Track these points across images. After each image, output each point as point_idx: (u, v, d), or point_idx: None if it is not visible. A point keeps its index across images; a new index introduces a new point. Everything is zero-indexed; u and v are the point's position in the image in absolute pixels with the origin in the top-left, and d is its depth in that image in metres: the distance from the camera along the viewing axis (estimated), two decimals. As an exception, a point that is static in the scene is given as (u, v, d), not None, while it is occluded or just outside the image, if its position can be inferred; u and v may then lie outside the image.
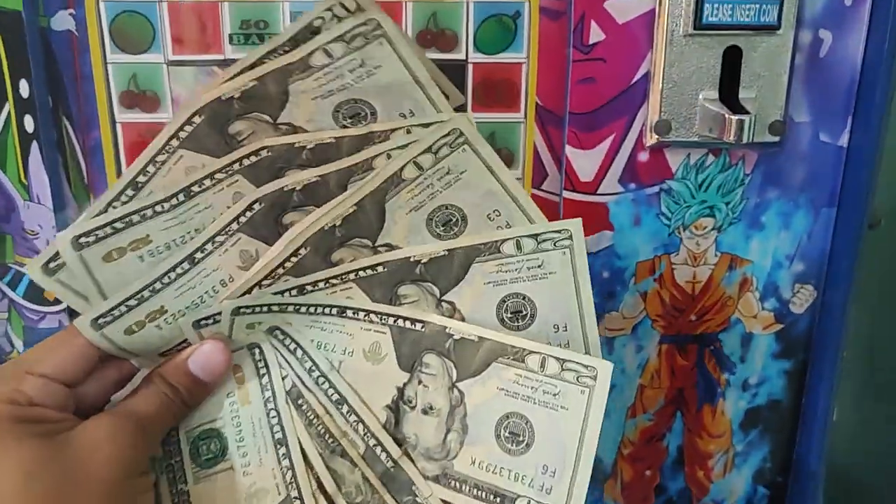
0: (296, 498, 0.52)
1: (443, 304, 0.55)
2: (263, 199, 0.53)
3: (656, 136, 0.66)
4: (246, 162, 0.54)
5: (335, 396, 0.53)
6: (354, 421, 0.53)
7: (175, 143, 0.53)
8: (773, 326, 0.75)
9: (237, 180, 0.53)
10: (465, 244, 0.55)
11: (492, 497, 0.52)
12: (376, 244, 0.55)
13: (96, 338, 0.49)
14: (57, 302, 0.72)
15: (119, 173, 0.69)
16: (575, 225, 0.54)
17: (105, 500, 0.43)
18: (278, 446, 0.52)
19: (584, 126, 0.67)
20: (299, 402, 0.53)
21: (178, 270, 0.52)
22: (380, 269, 0.55)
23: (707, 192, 0.69)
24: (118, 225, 0.51)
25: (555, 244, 0.55)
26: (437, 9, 0.66)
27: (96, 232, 0.50)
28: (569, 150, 0.68)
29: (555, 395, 0.52)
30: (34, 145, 0.67)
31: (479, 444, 0.53)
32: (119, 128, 0.68)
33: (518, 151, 0.70)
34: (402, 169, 0.55)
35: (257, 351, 0.53)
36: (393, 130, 0.56)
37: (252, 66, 0.54)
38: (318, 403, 0.53)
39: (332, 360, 0.54)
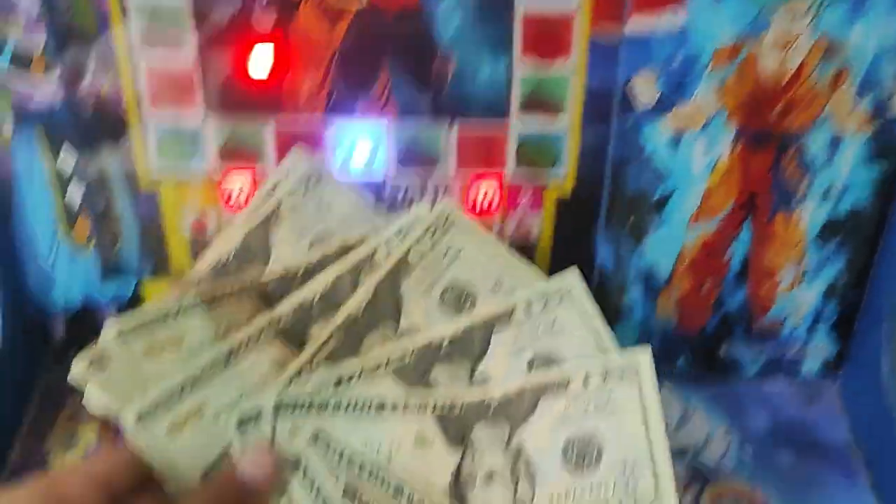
0: None
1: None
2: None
3: None
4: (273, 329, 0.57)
5: (393, 487, 0.51)
6: None
7: None
8: (867, 127, 0.65)
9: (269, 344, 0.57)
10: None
11: None
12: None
13: (140, 434, 0.48)
14: (48, 74, 0.63)
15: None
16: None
17: None
18: None
19: None
20: (355, 500, 0.50)
21: (217, 366, 0.53)
22: (406, 359, 0.56)
23: (811, -42, 0.57)
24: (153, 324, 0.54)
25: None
26: None
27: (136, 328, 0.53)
28: None
29: (607, 401, 0.54)
30: None
31: (551, 480, 0.53)
32: None
33: None
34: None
35: (303, 469, 0.50)
36: None
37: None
38: (377, 497, 0.51)
39: (382, 455, 0.53)
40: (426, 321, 0.59)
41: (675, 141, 0.65)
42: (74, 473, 0.43)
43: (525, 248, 0.72)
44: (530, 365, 0.57)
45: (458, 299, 0.60)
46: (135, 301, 0.74)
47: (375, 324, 0.58)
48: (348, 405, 0.54)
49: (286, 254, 0.61)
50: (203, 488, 0.48)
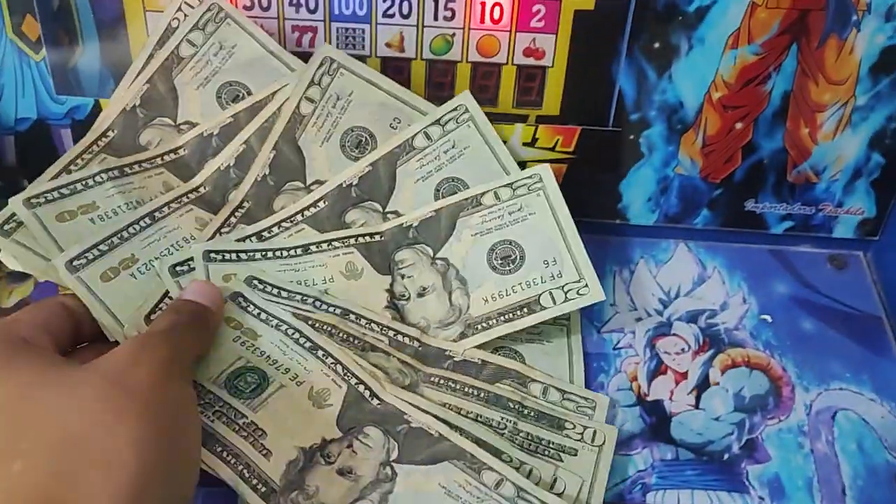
0: (358, 383, 0.52)
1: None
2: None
3: None
4: (167, 158, 0.61)
5: (338, 311, 0.56)
6: (366, 323, 0.56)
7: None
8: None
9: (161, 172, 0.60)
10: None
11: (518, 312, 0.56)
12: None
13: (74, 283, 0.50)
14: None
15: None
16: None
17: (154, 404, 0.41)
18: (314, 351, 0.53)
19: None
20: (308, 322, 0.54)
21: (142, 224, 0.55)
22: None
23: None
24: (65, 191, 0.55)
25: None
26: None
27: (46, 195, 0.54)
28: None
29: (519, 209, 0.59)
30: None
31: (482, 285, 0.58)
32: None
33: None
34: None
35: (241, 299, 0.54)
36: None
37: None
38: (326, 320, 0.54)
39: (318, 290, 0.56)
40: (331, 171, 0.61)
41: (719, -61, 0.55)
42: (19, 320, 0.45)
43: (536, 72, 0.63)
44: (438, 191, 0.61)
45: (358, 143, 0.61)
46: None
47: (283, 182, 0.61)
48: (274, 253, 0.57)
49: (194, 101, 0.62)
50: (163, 313, 0.50)
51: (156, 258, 0.55)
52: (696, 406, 0.59)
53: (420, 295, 0.58)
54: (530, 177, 0.60)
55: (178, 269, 0.55)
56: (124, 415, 0.39)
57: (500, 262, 0.58)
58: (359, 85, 0.62)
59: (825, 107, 0.62)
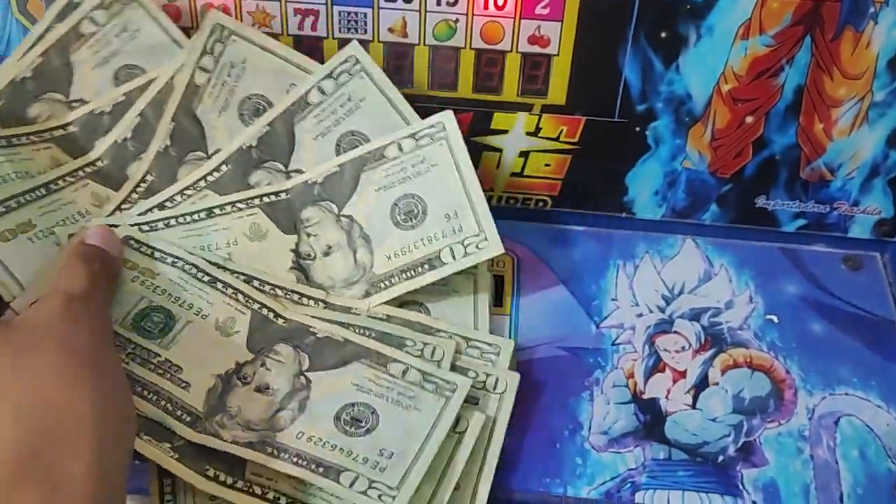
0: (261, 307, 0.55)
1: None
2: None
3: None
4: (56, 133, 0.60)
5: (242, 278, 0.56)
6: (270, 289, 0.56)
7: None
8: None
9: (49, 147, 0.59)
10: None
11: (420, 269, 0.56)
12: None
13: None
14: None
15: None
16: (447, 118, 0.58)
17: (102, 367, 0.43)
18: (214, 284, 0.54)
19: None
20: (210, 282, 0.55)
21: (37, 194, 0.55)
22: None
23: None
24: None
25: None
26: None
27: None
28: None
29: (422, 161, 0.58)
30: None
31: (385, 241, 0.57)
32: None
33: None
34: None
35: (133, 241, 0.55)
36: None
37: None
38: (229, 283, 0.55)
39: (221, 254, 0.57)
40: (231, 140, 0.60)
41: (729, -75, 0.53)
42: None
43: (541, 60, 0.61)
44: (339, 146, 0.60)
45: (256, 110, 0.61)
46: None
47: (185, 153, 0.60)
48: (177, 220, 0.57)
49: (89, 80, 0.61)
50: (73, 261, 0.49)
51: (55, 226, 0.54)
52: (693, 406, 0.57)
53: (326, 254, 0.58)
54: (433, 126, 0.58)
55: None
56: (79, 383, 0.41)
57: (402, 217, 0.57)
58: (252, 52, 0.61)
59: (841, 102, 0.60)
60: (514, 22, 0.61)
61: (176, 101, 0.60)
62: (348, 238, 0.58)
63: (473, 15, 0.61)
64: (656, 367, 0.59)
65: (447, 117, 0.58)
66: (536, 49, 0.61)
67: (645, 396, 0.58)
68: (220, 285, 0.54)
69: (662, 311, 0.63)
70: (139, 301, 0.52)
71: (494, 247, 0.55)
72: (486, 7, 0.60)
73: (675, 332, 0.62)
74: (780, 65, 0.59)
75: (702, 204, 0.66)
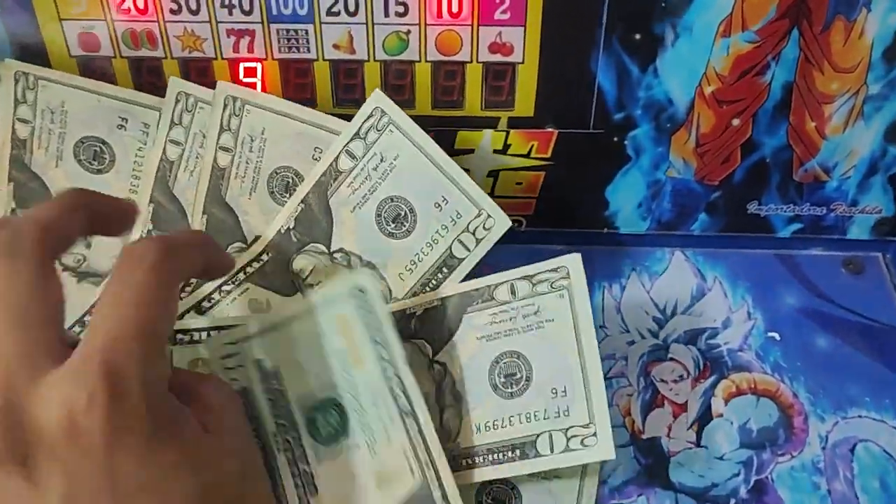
0: (434, 480, 0.44)
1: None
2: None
3: None
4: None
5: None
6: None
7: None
8: None
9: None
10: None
11: (509, 454, 0.47)
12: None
13: None
14: None
15: None
16: (573, 262, 0.49)
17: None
18: (405, 417, 0.44)
19: None
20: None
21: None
22: None
23: None
24: None
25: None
26: None
27: None
28: None
29: (535, 312, 0.49)
30: None
31: (478, 405, 0.48)
32: None
33: None
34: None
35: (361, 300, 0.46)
36: None
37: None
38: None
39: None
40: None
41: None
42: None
43: (505, 69, 0.56)
44: (380, 216, 0.53)
45: (286, 185, 0.55)
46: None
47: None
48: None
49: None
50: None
51: None
52: (698, 443, 0.52)
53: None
54: (555, 269, 0.50)
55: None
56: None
57: (503, 379, 0.49)
58: (269, 119, 0.55)
59: (833, 97, 0.55)
60: (473, 29, 0.55)
61: (203, 190, 0.55)
62: (437, 391, 0.49)
63: (426, 24, 0.55)
64: (654, 401, 0.54)
65: (573, 262, 0.49)
66: (499, 58, 0.56)
67: (644, 436, 0.53)
68: (409, 422, 0.45)
69: (655, 335, 0.58)
70: (331, 389, 0.45)
71: (605, 449, 0.45)
72: (439, 15, 0.54)
73: (671, 358, 0.57)
74: (765, 62, 0.54)
75: (689, 214, 0.61)
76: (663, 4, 0.51)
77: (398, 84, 0.57)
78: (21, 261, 0.35)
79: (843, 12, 0.51)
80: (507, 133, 0.57)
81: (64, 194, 0.39)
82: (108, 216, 0.41)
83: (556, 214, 0.61)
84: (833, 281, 0.61)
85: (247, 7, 0.55)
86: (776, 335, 0.58)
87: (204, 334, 0.49)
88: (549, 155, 0.58)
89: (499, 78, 0.57)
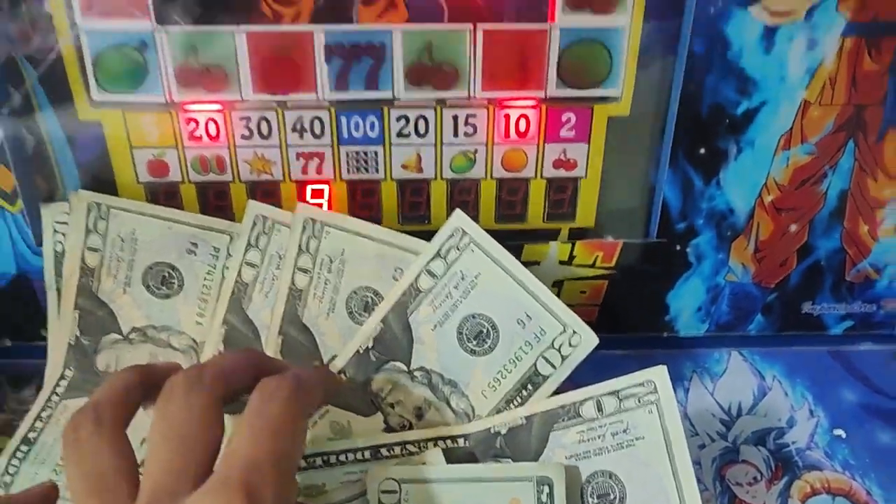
0: None
1: None
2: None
3: None
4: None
5: None
6: None
7: None
8: None
9: None
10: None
11: None
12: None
13: None
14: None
15: None
16: (660, 375, 0.49)
17: None
18: None
19: None
20: None
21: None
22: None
23: None
24: None
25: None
26: None
27: None
28: None
29: (625, 430, 0.49)
30: None
31: None
32: None
33: None
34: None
35: None
36: None
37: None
38: None
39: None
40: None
41: (769, 35, 0.50)
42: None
43: (567, 184, 0.57)
44: (461, 334, 0.53)
45: (365, 305, 0.55)
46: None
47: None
48: (338, 457, 0.52)
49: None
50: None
51: None
52: (783, 548, 0.52)
53: None
54: (642, 384, 0.49)
55: None
56: None
57: (595, 500, 0.49)
58: (349, 241, 0.55)
59: (885, 202, 0.57)
60: (538, 148, 0.56)
61: (280, 312, 0.55)
62: None
63: (494, 144, 0.56)
64: (733, 506, 0.55)
65: (660, 375, 0.49)
66: (562, 173, 0.57)
67: (731, 544, 0.53)
68: None
69: (724, 437, 0.58)
70: None
71: None
72: (507, 136, 0.56)
73: (744, 461, 0.57)
74: (822, 171, 0.56)
75: (746, 315, 0.62)
76: (728, 121, 0.54)
77: (463, 200, 0.58)
78: (195, 396, 0.40)
79: (896, 124, 0.54)
80: (573, 244, 0.59)
81: (244, 353, 0.46)
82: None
83: (618, 321, 0.62)
84: (887, 375, 0.63)
85: (318, 131, 0.56)
86: (842, 432, 0.59)
87: (318, 460, 0.50)
88: (613, 264, 0.59)
89: (561, 191, 0.58)
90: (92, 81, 0.53)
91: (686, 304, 0.61)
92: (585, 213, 0.59)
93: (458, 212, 0.53)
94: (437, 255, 0.54)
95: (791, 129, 0.54)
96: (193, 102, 0.54)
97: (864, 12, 0.50)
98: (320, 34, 0.52)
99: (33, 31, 0.51)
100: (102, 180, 0.57)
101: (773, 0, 0.49)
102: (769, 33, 0.50)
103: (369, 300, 0.55)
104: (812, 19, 0.50)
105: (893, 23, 0.50)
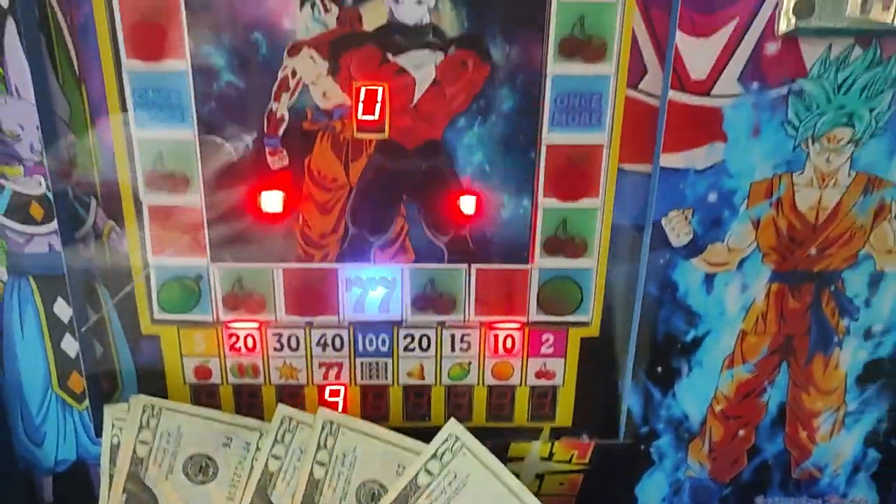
0: None
1: None
2: None
3: (793, 21, 0.52)
4: None
5: None
6: None
7: None
8: (908, 263, 0.62)
9: None
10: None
11: None
12: None
13: None
14: (46, 220, 0.59)
15: (117, 57, 0.56)
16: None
17: None
18: None
19: (699, 6, 0.53)
20: None
21: None
22: None
23: (847, 94, 0.56)
24: None
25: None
26: None
27: None
28: (679, 37, 0.54)
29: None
30: (9, 23, 0.54)
31: None
32: (116, 1, 0.55)
33: (613, 40, 0.56)
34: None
35: None
36: None
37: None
38: None
39: None
40: None
41: (709, 281, 0.62)
42: None
43: (548, 390, 0.68)
44: None
45: (372, 496, 0.65)
46: (126, 454, 0.68)
47: None
48: None
49: None
50: None
51: None
52: None
53: None
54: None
55: None
56: None
57: None
58: (361, 440, 0.65)
59: (819, 413, 0.67)
60: (522, 360, 0.67)
61: (299, 499, 0.64)
62: None
63: (485, 357, 0.67)
64: None
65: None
66: (543, 382, 0.68)
67: None
68: None
69: None
70: None
71: None
72: (496, 351, 0.67)
73: None
74: (763, 387, 0.66)
75: (706, 507, 0.71)
76: (679, 346, 0.64)
77: (458, 402, 0.69)
78: None
79: (822, 350, 0.65)
80: (553, 443, 0.68)
81: None
82: None
83: (593, 509, 0.71)
84: (835, 563, 0.71)
85: (338, 346, 0.67)
86: None
87: None
88: (587, 461, 0.69)
89: (542, 397, 0.68)
90: (155, 305, 0.65)
91: (652, 496, 0.70)
92: (563, 415, 0.69)
93: (452, 420, 0.63)
94: (434, 456, 0.64)
95: (733, 352, 0.65)
96: (235, 321, 0.66)
97: (784, 264, 0.61)
98: (344, 271, 0.64)
99: (112, 266, 0.63)
100: (156, 381, 0.68)
101: (710, 254, 0.61)
102: (709, 279, 0.62)
103: (376, 492, 0.64)
104: (743, 268, 0.61)
105: (810, 272, 0.62)
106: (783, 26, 0.53)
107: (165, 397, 0.67)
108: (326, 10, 0.55)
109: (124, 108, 0.58)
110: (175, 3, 0.55)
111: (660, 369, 0.65)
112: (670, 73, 0.55)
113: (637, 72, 0.57)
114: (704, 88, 0.55)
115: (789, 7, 0.52)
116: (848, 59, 0.54)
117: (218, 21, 0.55)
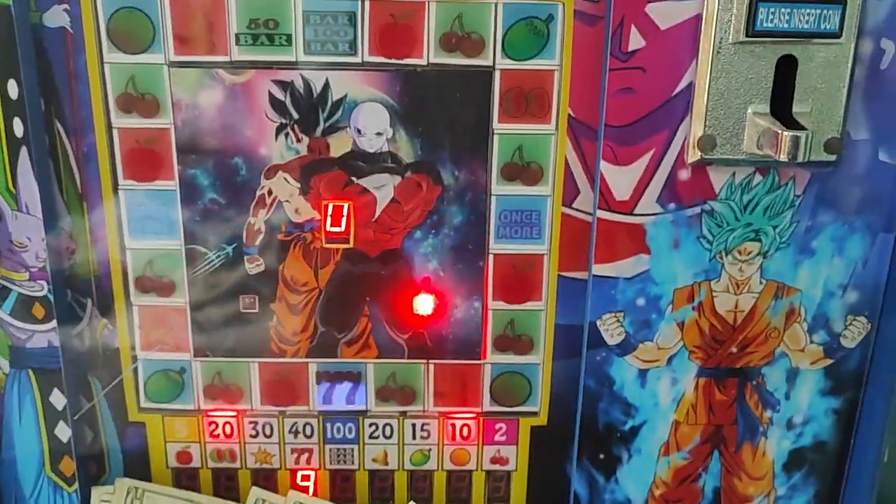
0: None
1: None
2: None
3: (699, 154, 0.60)
4: None
5: None
6: None
7: None
8: (822, 361, 0.69)
9: None
10: None
11: None
12: None
13: None
14: (46, 319, 0.66)
15: (116, 182, 0.64)
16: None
17: None
18: None
19: (620, 140, 0.61)
20: None
21: None
22: None
23: (753, 214, 0.63)
24: None
25: None
26: (464, 10, 0.61)
27: None
28: (604, 165, 0.62)
29: None
30: (23, 151, 0.62)
31: None
32: (116, 133, 0.63)
33: (548, 166, 0.64)
34: None
35: None
36: None
37: None
38: None
39: None
40: None
41: (643, 376, 0.68)
42: None
43: (502, 477, 0.73)
44: None
45: None
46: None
47: None
48: None
49: None
50: None
51: None
52: None
53: None
54: None
55: None
56: None
57: None
58: None
59: (752, 498, 0.73)
60: (478, 448, 0.73)
61: None
62: None
63: (444, 445, 0.73)
64: None
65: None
66: (498, 467, 0.74)
67: None
68: None
69: None
70: None
71: None
72: (454, 439, 0.73)
73: None
74: (698, 472, 0.72)
75: (651, 587, 0.76)
76: (619, 434, 0.71)
77: (419, 486, 0.75)
78: None
79: (749, 439, 0.71)
80: (506, 527, 0.74)
81: None
82: None
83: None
84: None
85: (308, 433, 0.73)
86: None
87: None
88: (539, 543, 0.75)
89: (497, 481, 0.74)
90: (142, 394, 0.71)
91: (600, 576, 0.76)
92: (518, 498, 0.75)
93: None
94: None
95: (668, 440, 0.71)
96: (215, 410, 0.72)
97: (709, 360, 0.68)
98: (313, 365, 0.71)
99: (104, 360, 0.70)
100: (141, 465, 0.74)
101: (642, 352, 0.68)
102: (642, 373, 0.69)
103: None
104: (672, 364, 0.68)
105: (733, 368, 0.69)
106: (691, 157, 0.61)
107: (150, 480, 0.74)
108: (298, 140, 0.63)
109: (119, 222, 0.65)
110: (166, 132, 0.63)
111: (602, 456, 0.72)
112: (598, 195, 0.63)
113: (570, 192, 0.65)
114: (628, 208, 0.63)
115: (695, 142, 0.60)
116: (750, 183, 0.62)
117: (204, 148, 0.63)
